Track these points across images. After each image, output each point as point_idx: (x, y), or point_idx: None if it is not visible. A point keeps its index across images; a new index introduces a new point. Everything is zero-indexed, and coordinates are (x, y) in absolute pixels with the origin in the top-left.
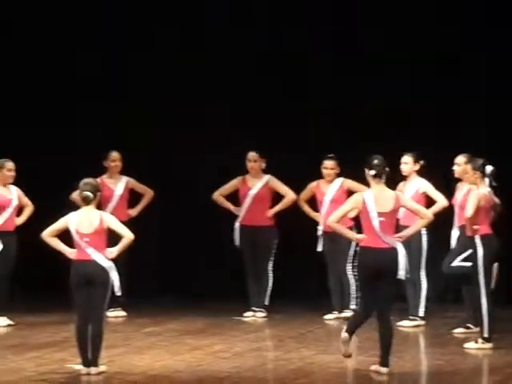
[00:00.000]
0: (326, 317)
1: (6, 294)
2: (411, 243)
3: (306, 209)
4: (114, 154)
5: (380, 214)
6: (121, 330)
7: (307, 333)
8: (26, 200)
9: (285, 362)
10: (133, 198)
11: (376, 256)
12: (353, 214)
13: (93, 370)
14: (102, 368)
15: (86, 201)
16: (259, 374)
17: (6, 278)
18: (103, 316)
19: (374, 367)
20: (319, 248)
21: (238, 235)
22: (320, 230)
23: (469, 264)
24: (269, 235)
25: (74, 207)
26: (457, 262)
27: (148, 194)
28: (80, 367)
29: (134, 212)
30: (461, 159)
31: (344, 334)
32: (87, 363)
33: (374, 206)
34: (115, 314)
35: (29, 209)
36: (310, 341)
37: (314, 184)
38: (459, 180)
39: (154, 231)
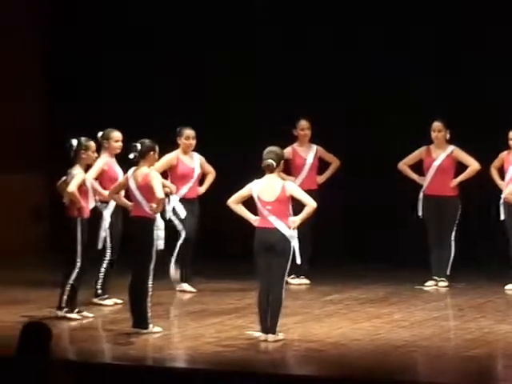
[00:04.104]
0: (507, 287)
1: (190, 260)
2: None
3: (494, 176)
4: (303, 123)
5: None
6: (302, 298)
7: (487, 302)
8: (208, 167)
9: (463, 332)
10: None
11: None
12: None
13: (270, 337)
14: (280, 336)
15: (269, 169)
16: (436, 343)
17: (191, 245)
18: (283, 284)
19: None
20: (502, 216)
21: (421, 205)
22: (502, 198)
23: None
24: (453, 206)
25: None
26: None
27: (335, 162)
28: (259, 334)
29: (320, 179)
30: None
31: None
32: (266, 330)
33: None
34: (298, 282)
35: (211, 176)
36: (489, 310)
37: (504, 153)
38: None
39: (339, 198)
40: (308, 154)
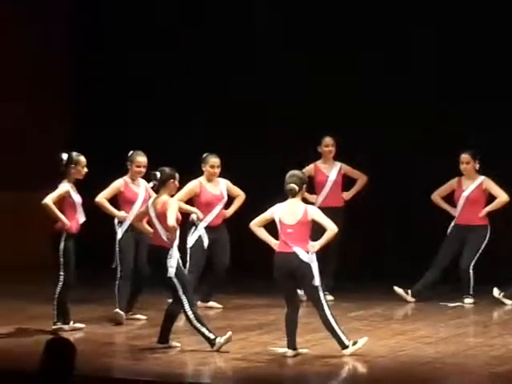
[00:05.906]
0: None
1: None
2: None
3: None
4: (328, 140)
5: None
6: None
7: None
8: (236, 190)
9: (488, 348)
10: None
11: None
12: None
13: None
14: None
15: (292, 193)
16: (461, 360)
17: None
18: (324, 305)
19: None
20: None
21: (449, 233)
22: None
23: None
24: (479, 233)
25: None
26: None
27: (361, 179)
28: (283, 350)
29: (347, 196)
30: None
31: None
32: (292, 346)
33: None
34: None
35: (240, 198)
36: None
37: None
38: None
39: (367, 217)
40: (331, 171)
